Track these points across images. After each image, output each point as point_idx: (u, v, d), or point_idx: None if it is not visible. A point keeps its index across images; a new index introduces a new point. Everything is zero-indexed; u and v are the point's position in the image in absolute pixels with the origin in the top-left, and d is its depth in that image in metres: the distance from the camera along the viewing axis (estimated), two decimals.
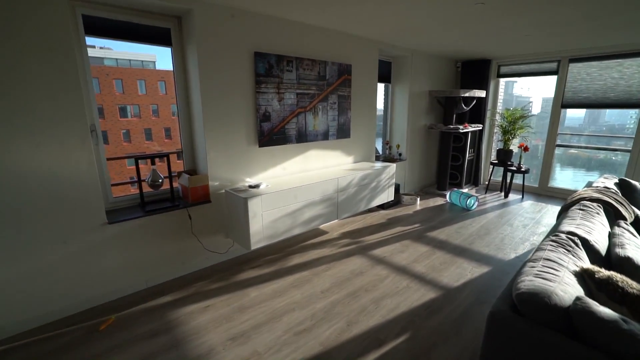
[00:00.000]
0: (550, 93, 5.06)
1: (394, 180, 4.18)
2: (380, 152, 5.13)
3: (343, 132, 3.91)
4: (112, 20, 2.46)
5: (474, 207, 4.63)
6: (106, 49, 19.66)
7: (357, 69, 3.93)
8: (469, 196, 4.58)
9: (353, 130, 4.05)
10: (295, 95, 3.31)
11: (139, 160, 2.62)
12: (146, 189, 2.70)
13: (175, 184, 2.91)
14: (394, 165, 4.13)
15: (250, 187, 2.95)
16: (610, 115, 9.70)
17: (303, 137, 3.48)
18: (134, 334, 2.13)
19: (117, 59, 19.63)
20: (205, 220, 2.93)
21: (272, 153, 3.27)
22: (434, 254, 3.24)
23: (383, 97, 5.13)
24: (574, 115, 8.30)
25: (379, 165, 4.08)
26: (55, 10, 2.03)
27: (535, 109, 7.38)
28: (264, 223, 2.81)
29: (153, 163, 2.67)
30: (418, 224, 4.05)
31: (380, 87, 4.98)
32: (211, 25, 2.64)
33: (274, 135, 3.21)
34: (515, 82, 6.47)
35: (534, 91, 8.54)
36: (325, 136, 3.71)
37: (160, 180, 2.70)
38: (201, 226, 2.91)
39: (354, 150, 4.15)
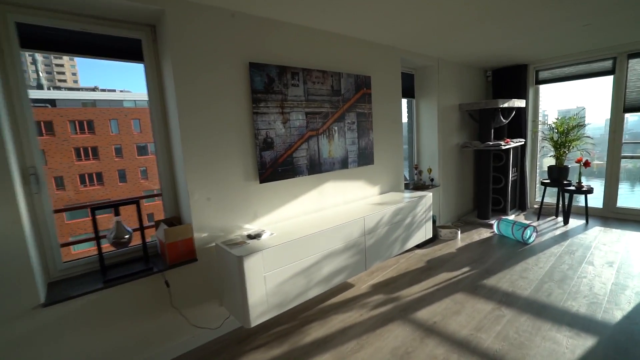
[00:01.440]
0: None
1: (431, 213, 3.37)
2: (408, 179, 4.36)
3: (365, 157, 3.19)
4: (62, 31, 1.89)
5: (533, 239, 3.72)
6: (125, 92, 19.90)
7: (378, 81, 3.27)
8: (523, 226, 3.69)
9: (377, 154, 3.33)
10: (304, 115, 2.64)
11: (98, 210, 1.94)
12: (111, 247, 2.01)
13: (149, 238, 2.21)
14: (429, 194, 3.33)
15: (250, 237, 2.21)
16: None
17: (316, 167, 2.77)
18: None
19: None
20: (191, 285, 2.19)
21: (277, 190, 2.56)
22: (502, 316, 2.35)
23: (406, 114, 4.43)
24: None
25: (411, 195, 3.29)
26: None
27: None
28: (268, 288, 2.04)
29: (117, 213, 1.99)
30: (467, 266, 3.17)
31: (403, 103, 4.30)
32: (190, 31, 2.03)
33: (278, 166, 2.51)
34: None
35: (561, 99, 7.71)
36: (344, 164, 2.99)
37: (126, 237, 2.00)
38: (185, 294, 2.16)
39: (379, 179, 3.40)
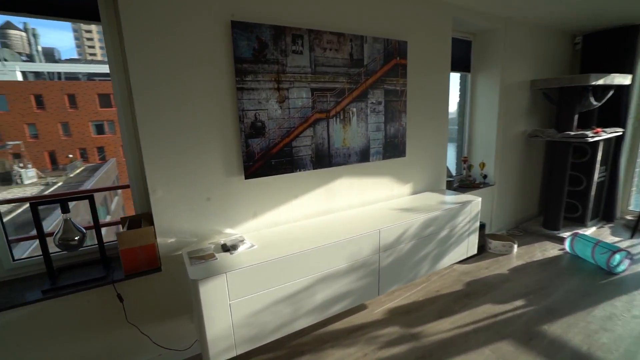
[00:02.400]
0: None
1: (478, 223, 2.60)
2: (453, 174, 3.55)
3: (393, 148, 2.50)
4: None
5: (624, 269, 2.75)
6: None
7: (417, 48, 2.50)
8: (611, 249, 2.73)
9: (410, 144, 2.61)
10: (309, 92, 2.04)
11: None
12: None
13: (110, 239, 1.87)
14: (478, 200, 2.56)
15: (224, 247, 1.75)
16: None
17: (325, 160, 2.18)
18: None
19: None
20: (155, 298, 1.82)
21: (269, 187, 2.04)
22: None
23: (458, 93, 3.55)
24: None
25: (453, 200, 2.55)
26: None
27: None
28: (235, 319, 1.58)
29: (65, 210, 1.64)
30: (521, 299, 2.40)
31: (452, 78, 3.43)
32: None
33: (271, 158, 1.98)
34: None
35: None
36: (364, 156, 2.35)
37: (76, 238, 1.66)
38: (147, 309, 1.80)
39: (412, 176, 2.70)
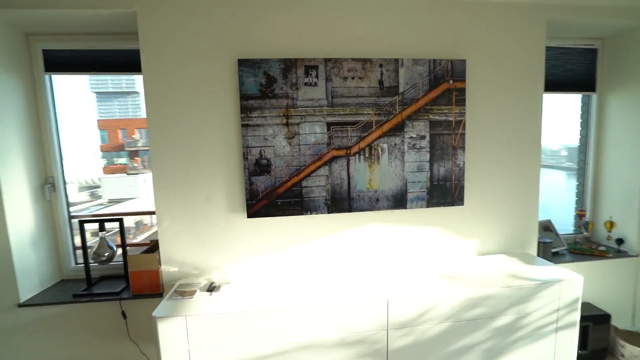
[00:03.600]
0: None
1: (577, 315, 1.72)
2: (558, 233, 2.53)
3: (443, 194, 1.96)
4: (76, 52, 1.99)
5: None
6: None
7: (482, 68, 1.94)
8: None
9: (471, 190, 2.00)
10: (324, 127, 1.83)
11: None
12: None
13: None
14: (578, 279, 1.69)
15: (209, 287, 1.70)
16: None
17: (343, 203, 1.89)
18: None
19: None
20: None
21: (273, 228, 1.89)
22: None
23: (579, 120, 2.57)
24: None
25: (535, 273, 1.78)
26: None
27: None
28: None
29: (102, 228, 1.95)
30: None
31: (560, 100, 2.54)
32: (162, 26, 1.71)
33: (277, 198, 1.84)
34: None
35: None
36: (399, 202, 1.93)
37: (106, 254, 1.93)
38: (150, 330, 1.91)
39: (474, 232, 2.05)
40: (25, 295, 1.82)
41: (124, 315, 1.84)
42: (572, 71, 2.41)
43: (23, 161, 1.85)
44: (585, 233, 2.39)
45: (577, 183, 2.59)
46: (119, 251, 2.01)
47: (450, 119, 1.92)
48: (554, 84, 2.39)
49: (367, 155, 1.88)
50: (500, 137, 2.00)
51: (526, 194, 2.07)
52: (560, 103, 2.63)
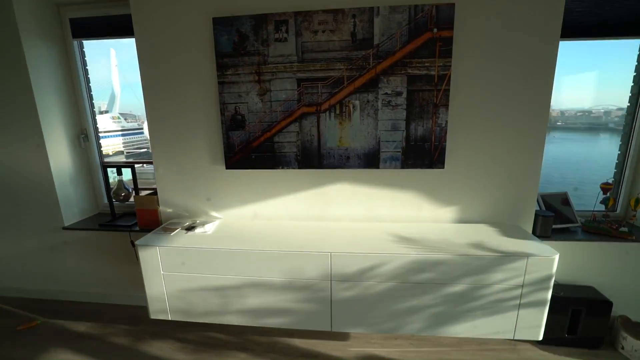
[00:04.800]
0: None
1: (547, 294, 1.55)
2: (574, 208, 2.17)
3: (421, 155, 1.85)
4: (100, 18, 2.26)
5: None
6: None
7: (475, 12, 1.68)
8: None
9: (455, 152, 1.84)
10: (294, 84, 1.84)
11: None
12: None
13: None
14: (551, 256, 1.51)
15: (188, 228, 1.96)
16: None
17: (313, 160, 1.93)
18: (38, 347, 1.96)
19: None
20: None
21: (249, 180, 2.04)
22: None
23: (633, 74, 2.08)
24: None
25: (509, 245, 1.64)
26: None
27: None
28: (167, 289, 1.78)
29: (120, 173, 2.33)
30: None
31: (593, 47, 2.07)
32: None
33: (251, 152, 1.96)
34: None
35: None
36: (371, 161, 1.89)
37: (123, 194, 2.33)
38: None
39: (457, 197, 1.91)
40: (68, 221, 2.33)
41: (132, 243, 2.25)
42: (623, 8, 1.91)
43: (60, 116, 2.28)
44: (611, 207, 2.03)
45: (618, 152, 2.16)
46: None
47: (433, 73, 1.75)
48: (596, 26, 1.94)
49: (337, 112, 1.86)
50: (494, 93, 1.76)
51: (524, 160, 1.83)
52: (611, 51, 2.14)
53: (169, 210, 2.17)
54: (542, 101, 1.75)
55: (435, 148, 1.84)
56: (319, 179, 1.98)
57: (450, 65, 1.73)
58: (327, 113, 1.86)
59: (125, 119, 9.80)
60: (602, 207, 2.06)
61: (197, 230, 1.90)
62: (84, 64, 2.41)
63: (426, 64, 1.75)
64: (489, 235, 1.75)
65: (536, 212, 1.94)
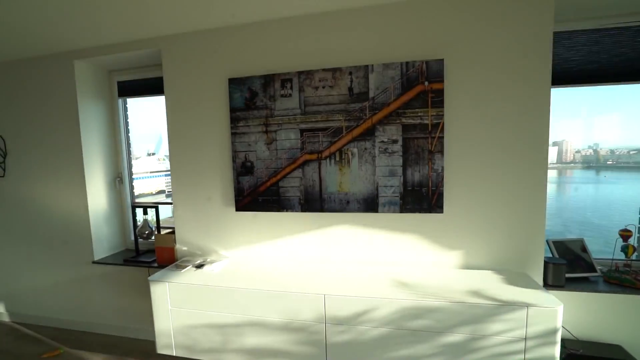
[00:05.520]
0: None
1: (555, 349, 1.44)
2: (591, 255, 2.02)
3: (419, 199, 1.89)
4: (137, 81, 2.67)
5: None
6: None
7: (466, 65, 1.79)
8: None
9: (454, 196, 1.86)
10: (297, 134, 2.02)
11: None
12: None
13: None
14: (555, 308, 1.43)
15: (199, 265, 2.09)
16: None
17: (315, 203, 2.03)
18: None
19: None
20: None
21: (256, 222, 2.17)
22: None
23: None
24: None
25: (511, 294, 1.58)
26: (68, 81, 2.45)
27: None
28: (174, 324, 1.88)
29: (145, 212, 2.57)
30: None
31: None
32: (178, 59, 2.19)
33: (258, 195, 2.11)
34: None
35: None
36: (370, 205, 1.95)
37: (146, 232, 2.55)
38: None
39: (457, 241, 1.89)
40: (98, 255, 2.57)
41: None
42: (624, 55, 1.94)
43: (102, 162, 2.62)
44: (626, 259, 1.88)
45: None
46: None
47: (426, 121, 1.85)
48: (595, 74, 1.97)
49: (337, 159, 1.98)
50: (489, 139, 1.81)
51: (527, 204, 1.80)
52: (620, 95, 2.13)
53: (184, 248, 2.34)
54: (538, 146, 1.76)
55: (433, 193, 1.88)
56: (320, 221, 2.06)
57: (442, 114, 1.82)
58: (328, 160, 1.99)
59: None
60: (623, 255, 1.92)
61: (206, 268, 2.03)
62: (126, 117, 2.80)
63: (419, 114, 1.85)
64: (491, 283, 1.69)
65: (547, 259, 1.86)
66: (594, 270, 1.92)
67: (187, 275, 1.94)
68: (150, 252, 2.63)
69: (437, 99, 1.82)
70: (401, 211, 1.92)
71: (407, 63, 1.84)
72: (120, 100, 2.74)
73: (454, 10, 1.78)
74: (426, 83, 1.83)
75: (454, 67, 1.81)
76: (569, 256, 1.98)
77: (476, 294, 1.57)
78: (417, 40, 1.84)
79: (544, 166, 1.78)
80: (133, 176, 2.86)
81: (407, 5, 1.83)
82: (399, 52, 1.87)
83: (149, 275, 2.33)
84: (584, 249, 2.01)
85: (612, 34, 1.93)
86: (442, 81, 1.81)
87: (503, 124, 1.79)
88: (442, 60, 1.79)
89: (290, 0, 1.82)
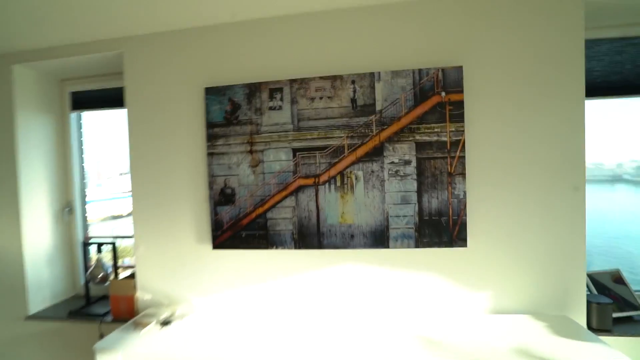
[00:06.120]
0: None
1: None
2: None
3: (437, 231, 1.57)
4: (93, 92, 2.25)
5: None
6: None
7: (487, 73, 1.54)
8: None
9: (478, 226, 1.56)
10: (289, 154, 1.67)
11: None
12: None
13: None
14: None
15: (164, 322, 1.64)
16: None
17: (311, 239, 1.66)
18: None
19: None
20: None
21: (239, 262, 1.76)
22: None
23: None
24: None
25: (556, 349, 1.26)
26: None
27: None
28: None
29: (100, 251, 2.09)
30: None
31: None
32: (141, 64, 1.81)
33: (241, 229, 1.72)
34: None
35: None
36: (378, 239, 1.61)
37: (100, 275, 2.06)
38: None
39: (486, 281, 1.57)
40: (35, 308, 2.04)
41: (101, 337, 1.91)
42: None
43: (46, 188, 2.13)
44: None
45: None
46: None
47: (444, 138, 1.56)
48: (619, 86, 1.79)
49: (338, 184, 1.64)
50: (517, 158, 1.54)
51: (563, 234, 1.52)
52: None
53: (147, 296, 1.87)
54: (574, 166, 1.51)
55: (454, 223, 1.56)
56: (318, 260, 1.69)
57: (463, 130, 1.54)
58: (327, 185, 1.65)
59: None
60: None
61: (173, 325, 1.58)
62: (80, 135, 2.35)
63: (436, 130, 1.56)
64: (534, 334, 1.37)
65: (588, 297, 1.57)
66: (637, 307, 1.65)
67: (148, 340, 1.48)
68: (106, 299, 2.13)
69: (456, 112, 1.54)
70: (417, 245, 1.59)
71: (420, 70, 1.56)
72: (74, 115, 2.30)
73: (473, 11, 1.54)
74: (443, 94, 1.55)
75: (475, 75, 1.54)
76: (605, 291, 1.72)
77: (527, 354, 1.24)
78: (431, 44, 1.58)
79: (581, 188, 1.51)
80: (89, 204, 2.38)
81: (420, 4, 1.57)
82: (411, 57, 1.59)
83: (99, 336, 1.85)
84: (621, 281, 1.75)
85: (636, 43, 1.76)
86: (461, 92, 1.53)
87: (533, 141, 1.53)
88: (461, 67, 1.53)
89: None
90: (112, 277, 2.08)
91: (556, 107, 1.51)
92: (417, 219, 1.59)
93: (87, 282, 2.08)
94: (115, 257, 2.06)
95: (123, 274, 2.04)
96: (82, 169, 2.34)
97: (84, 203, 2.35)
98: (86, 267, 2.11)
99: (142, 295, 1.87)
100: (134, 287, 1.87)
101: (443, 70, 1.54)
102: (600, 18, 1.65)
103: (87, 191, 2.38)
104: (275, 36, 1.69)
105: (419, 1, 1.57)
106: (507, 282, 1.57)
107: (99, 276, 2.05)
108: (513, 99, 1.53)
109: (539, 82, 1.51)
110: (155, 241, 1.84)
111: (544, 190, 1.53)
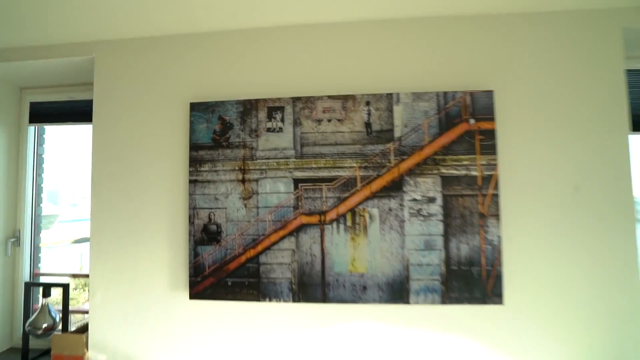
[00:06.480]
0: None
1: None
2: None
3: (468, 284, 1.30)
4: (55, 103, 1.94)
5: None
6: None
7: (521, 100, 1.34)
8: None
9: (515, 279, 1.30)
10: (290, 184, 1.39)
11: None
12: None
13: None
14: None
15: None
16: None
17: (314, 290, 1.35)
18: None
19: None
20: None
21: (222, 315, 1.42)
22: None
23: None
24: None
25: None
26: None
27: None
28: None
29: (46, 294, 1.70)
30: None
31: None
32: (114, 72, 1.53)
33: (227, 276, 1.39)
34: None
35: None
36: (396, 293, 1.32)
37: (44, 326, 1.65)
38: None
39: (525, 346, 1.30)
40: None
41: None
42: None
43: None
44: None
45: None
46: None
47: (474, 173, 1.32)
48: None
49: (348, 223, 1.36)
50: (559, 198, 1.31)
51: (618, 288, 1.28)
52: None
53: (101, 357, 1.48)
54: (624, 201, 1.29)
55: (488, 274, 1.30)
56: (322, 317, 1.37)
57: (495, 164, 1.31)
58: (335, 225, 1.36)
59: None
60: None
61: None
62: (40, 151, 2.00)
63: (465, 162, 1.32)
64: None
65: None
66: None
67: None
68: (49, 354, 1.71)
69: (488, 143, 1.32)
70: (443, 302, 1.30)
71: (445, 93, 1.34)
72: (33, 128, 1.97)
73: (505, 30, 1.36)
74: (472, 121, 1.33)
75: (507, 102, 1.34)
76: None
77: None
78: (458, 65, 1.37)
79: (633, 233, 1.29)
80: (41, 234, 1.99)
81: (447, 21, 1.37)
82: (434, 78, 1.38)
83: None
84: None
85: None
86: (492, 119, 1.32)
87: (576, 178, 1.31)
88: (492, 92, 1.32)
89: (291, 5, 1.29)
90: (60, 327, 1.68)
91: (599, 140, 1.31)
92: (443, 268, 1.31)
93: (26, 334, 1.66)
94: (66, 304, 1.67)
95: (76, 325, 1.65)
96: (38, 190, 1.98)
97: (36, 232, 1.97)
98: (27, 315, 1.70)
99: (95, 356, 1.48)
100: (85, 345, 1.48)
101: (472, 94, 1.33)
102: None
103: (42, 217, 2.01)
104: (277, 47, 1.46)
105: (445, 17, 1.38)
106: (551, 347, 1.29)
107: (43, 326, 1.64)
108: (551, 130, 1.33)
109: (579, 112, 1.32)
110: (117, 286, 1.48)
111: (591, 235, 1.29)
